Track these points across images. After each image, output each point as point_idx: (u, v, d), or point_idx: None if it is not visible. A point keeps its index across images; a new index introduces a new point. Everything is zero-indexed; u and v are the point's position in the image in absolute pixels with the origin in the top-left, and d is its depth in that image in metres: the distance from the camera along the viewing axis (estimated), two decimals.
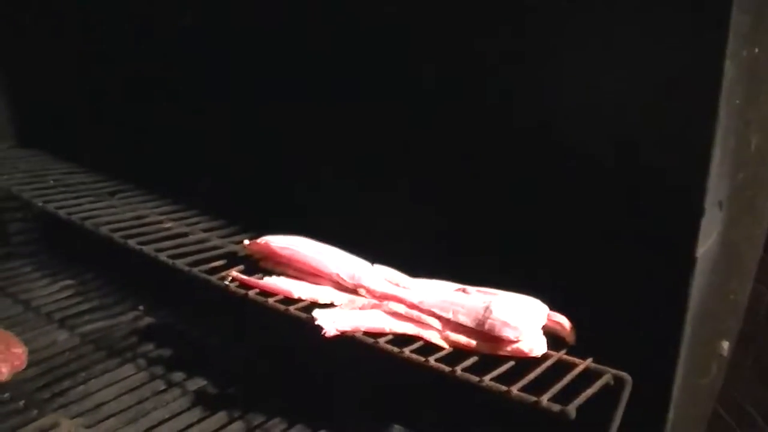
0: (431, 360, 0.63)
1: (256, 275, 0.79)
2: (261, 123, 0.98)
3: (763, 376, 0.80)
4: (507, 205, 0.75)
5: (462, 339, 0.65)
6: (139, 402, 0.93)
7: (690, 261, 0.62)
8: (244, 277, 0.78)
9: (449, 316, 0.67)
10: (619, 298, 0.67)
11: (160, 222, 0.97)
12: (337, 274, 0.75)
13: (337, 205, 0.89)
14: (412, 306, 0.69)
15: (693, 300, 0.64)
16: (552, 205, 0.71)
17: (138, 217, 0.99)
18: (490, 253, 0.75)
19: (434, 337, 0.67)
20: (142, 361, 1.02)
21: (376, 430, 0.90)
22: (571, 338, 0.66)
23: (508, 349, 0.63)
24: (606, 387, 0.61)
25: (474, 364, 0.62)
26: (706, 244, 0.63)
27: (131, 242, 0.89)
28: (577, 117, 0.67)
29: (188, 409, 0.92)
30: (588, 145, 0.67)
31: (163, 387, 0.96)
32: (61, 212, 0.98)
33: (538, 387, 0.58)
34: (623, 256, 0.67)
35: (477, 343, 0.65)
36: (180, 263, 0.83)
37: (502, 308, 0.64)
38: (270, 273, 0.79)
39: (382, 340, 0.66)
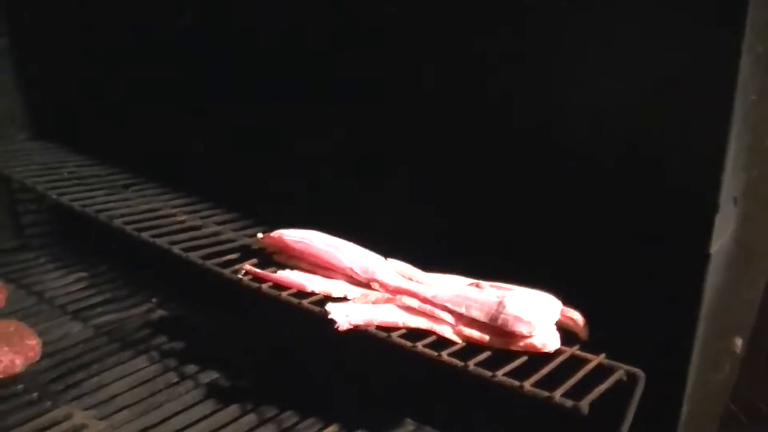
0: (444, 354, 0.63)
1: (270, 269, 0.79)
2: (260, 122, 0.98)
3: None
4: (513, 204, 0.74)
5: (475, 334, 0.65)
6: (152, 394, 0.93)
7: (704, 257, 0.62)
8: (258, 270, 0.78)
9: (462, 310, 0.66)
10: (632, 294, 0.67)
11: (174, 215, 0.97)
12: (351, 268, 0.75)
13: (337, 205, 0.89)
14: (425, 300, 0.69)
15: (707, 296, 0.64)
16: (565, 203, 0.71)
17: (151, 210, 0.99)
18: (493, 253, 0.75)
19: (447, 332, 0.67)
20: (154, 354, 1.02)
21: (387, 424, 0.90)
22: (584, 333, 0.66)
23: (521, 344, 0.63)
24: (619, 383, 0.60)
25: (487, 359, 0.62)
26: (721, 241, 0.63)
27: (144, 235, 0.89)
28: (590, 114, 0.67)
29: (201, 401, 0.92)
30: (601, 143, 0.67)
31: (175, 379, 0.97)
32: (75, 204, 0.98)
33: (551, 382, 0.58)
34: (637, 252, 0.67)
35: (490, 338, 0.65)
36: (193, 256, 0.83)
37: (516, 303, 0.64)
38: (283, 267, 0.79)
39: (394, 335, 0.66)
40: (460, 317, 0.67)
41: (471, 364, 0.61)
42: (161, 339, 1.07)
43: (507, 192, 0.75)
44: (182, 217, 0.97)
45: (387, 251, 0.77)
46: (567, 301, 0.66)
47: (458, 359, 0.62)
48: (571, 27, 0.67)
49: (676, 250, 0.63)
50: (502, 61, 0.72)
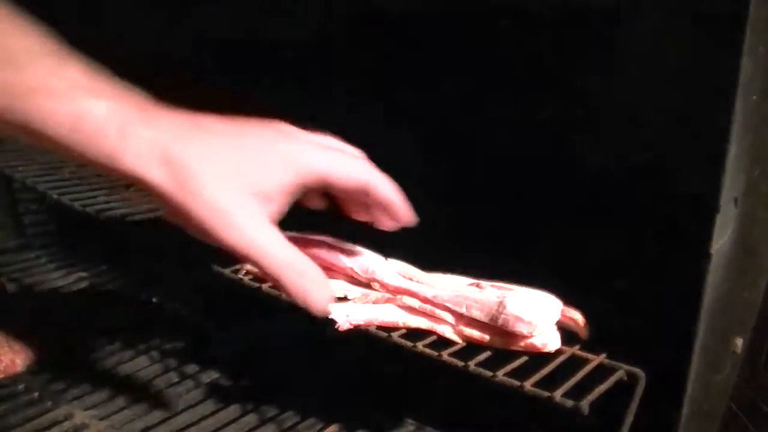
0: (444, 354, 0.63)
1: None
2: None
3: None
4: (513, 204, 0.75)
5: (475, 334, 0.65)
6: (153, 394, 0.93)
7: (705, 257, 0.62)
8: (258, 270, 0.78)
9: (462, 310, 0.66)
10: (633, 294, 0.67)
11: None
12: (351, 268, 0.75)
13: None
14: (425, 300, 0.69)
15: (707, 296, 0.64)
16: (565, 202, 0.71)
17: (152, 210, 0.99)
18: (493, 253, 0.75)
19: (447, 332, 0.67)
20: (155, 353, 1.02)
21: (387, 424, 0.90)
22: (584, 333, 0.66)
23: (522, 344, 0.63)
24: (619, 383, 0.61)
25: (487, 359, 0.62)
26: (721, 241, 0.63)
27: (145, 234, 0.89)
28: (590, 114, 0.67)
29: (201, 401, 0.92)
30: (601, 143, 0.67)
31: (176, 379, 0.97)
32: (77, 204, 0.98)
33: (551, 382, 0.58)
34: (637, 252, 0.67)
35: (490, 338, 0.65)
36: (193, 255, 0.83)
37: (516, 303, 0.64)
38: None
39: (395, 335, 0.67)
40: (460, 317, 0.67)
41: (471, 364, 0.61)
42: (162, 338, 1.07)
43: (507, 192, 0.75)
44: None
45: (387, 251, 0.77)
46: (567, 301, 0.66)
47: (459, 359, 0.62)
48: (572, 27, 0.67)
49: (677, 250, 0.64)
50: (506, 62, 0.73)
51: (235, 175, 0.58)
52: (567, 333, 0.65)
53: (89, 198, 1.01)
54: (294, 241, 0.79)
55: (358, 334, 0.68)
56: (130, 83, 0.59)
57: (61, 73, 0.56)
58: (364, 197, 0.64)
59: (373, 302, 0.71)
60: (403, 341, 0.66)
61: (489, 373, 0.60)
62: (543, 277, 0.67)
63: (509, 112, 0.73)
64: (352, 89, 0.86)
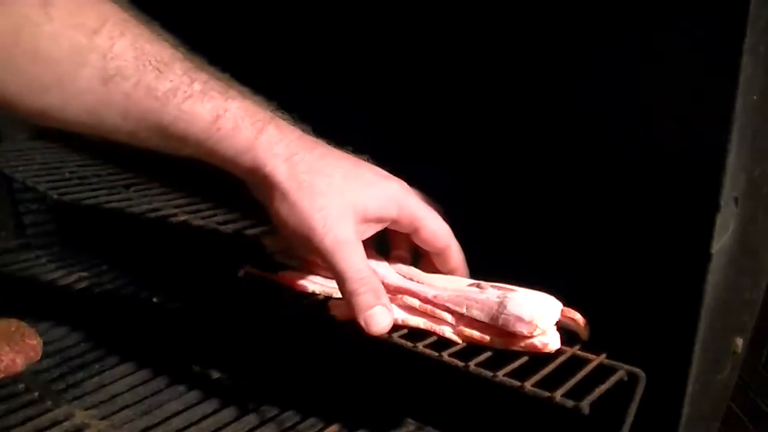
0: (445, 355, 0.63)
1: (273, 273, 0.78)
2: None
3: None
4: (513, 204, 0.75)
5: (476, 334, 0.65)
6: (153, 393, 0.93)
7: (705, 257, 0.62)
8: (257, 271, 0.78)
9: (463, 310, 0.66)
10: (633, 294, 0.67)
11: (175, 215, 0.97)
12: None
13: None
14: (426, 300, 0.69)
15: (708, 296, 0.64)
16: (565, 202, 0.71)
17: (153, 210, 0.99)
18: (493, 253, 0.75)
19: (447, 332, 0.67)
20: (156, 353, 1.02)
21: (388, 424, 0.90)
22: (585, 334, 0.66)
23: (522, 344, 0.63)
24: (620, 383, 0.61)
25: (488, 360, 0.62)
26: (722, 240, 0.63)
27: (146, 234, 0.89)
28: (590, 114, 0.67)
29: (202, 401, 0.92)
30: (601, 143, 0.67)
31: (177, 379, 0.97)
32: (77, 204, 0.98)
33: (551, 382, 0.58)
34: (637, 252, 0.67)
35: (491, 338, 0.65)
36: (193, 256, 0.83)
37: (516, 303, 0.64)
38: (284, 267, 0.79)
39: (395, 335, 0.67)
40: (460, 317, 0.67)
41: (472, 364, 0.61)
42: (162, 338, 1.07)
43: (506, 192, 0.75)
44: (184, 217, 0.97)
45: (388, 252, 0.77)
46: (567, 300, 0.66)
47: (459, 359, 0.62)
48: (572, 27, 0.67)
49: (677, 249, 0.63)
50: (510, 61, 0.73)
51: (348, 194, 0.65)
52: (567, 333, 0.65)
53: (90, 198, 1.01)
54: None
55: (357, 334, 0.68)
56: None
57: (195, 76, 0.63)
58: (438, 255, 0.72)
59: None
60: (403, 341, 0.66)
61: (489, 373, 0.60)
62: (543, 278, 0.67)
63: (509, 113, 0.73)
64: (347, 90, 0.86)
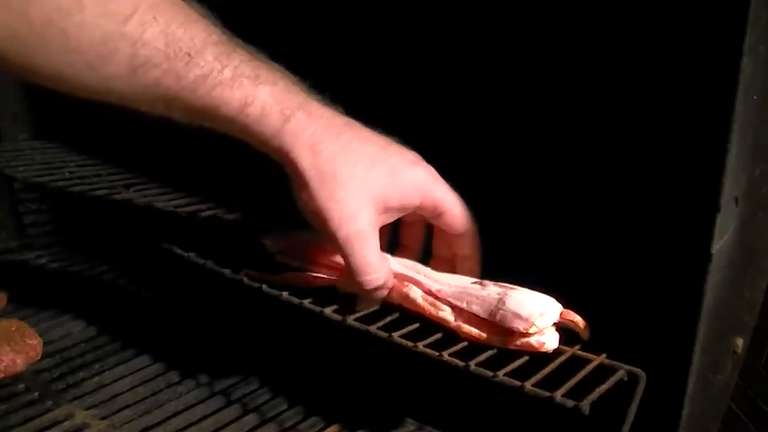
0: (445, 354, 0.63)
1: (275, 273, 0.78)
2: None
3: None
4: (512, 204, 0.75)
5: (473, 330, 0.65)
6: (154, 393, 0.93)
7: (705, 257, 0.62)
8: (257, 273, 0.78)
9: (463, 305, 0.67)
10: (633, 294, 0.67)
11: (175, 215, 0.97)
12: None
13: None
14: (429, 293, 0.69)
15: (708, 296, 0.64)
16: (564, 200, 0.71)
17: (153, 210, 0.99)
18: (493, 252, 0.75)
19: (446, 313, 0.67)
20: (156, 353, 1.02)
21: (388, 424, 0.90)
22: (585, 335, 0.66)
23: (518, 342, 0.63)
24: (620, 383, 0.60)
25: (488, 359, 0.62)
26: (722, 241, 0.63)
27: (146, 235, 0.89)
28: (590, 114, 0.67)
29: (202, 400, 0.92)
30: (599, 141, 0.67)
31: (177, 379, 0.97)
32: (77, 204, 0.98)
33: (552, 382, 0.58)
34: (638, 252, 0.67)
35: (488, 336, 0.65)
36: (193, 256, 0.83)
37: (515, 300, 0.64)
38: (286, 267, 0.79)
39: (395, 334, 0.66)
40: (460, 313, 0.67)
41: (472, 364, 0.61)
42: (162, 338, 1.07)
43: (506, 192, 0.75)
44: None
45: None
46: (568, 300, 0.66)
47: (459, 359, 0.62)
48: (572, 27, 0.67)
49: (677, 249, 0.63)
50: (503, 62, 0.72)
51: (369, 184, 0.65)
52: (567, 333, 0.65)
53: (89, 198, 1.01)
54: (298, 240, 0.79)
55: (358, 334, 0.68)
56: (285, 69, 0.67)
57: (226, 62, 0.63)
58: (457, 239, 0.72)
59: None
60: (403, 341, 0.66)
61: (489, 373, 0.60)
62: (543, 277, 0.67)
63: (508, 114, 0.73)
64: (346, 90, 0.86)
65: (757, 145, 0.65)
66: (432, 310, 0.68)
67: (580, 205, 0.70)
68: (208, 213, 0.99)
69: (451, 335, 0.66)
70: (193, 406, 0.91)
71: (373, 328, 0.68)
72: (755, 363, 0.81)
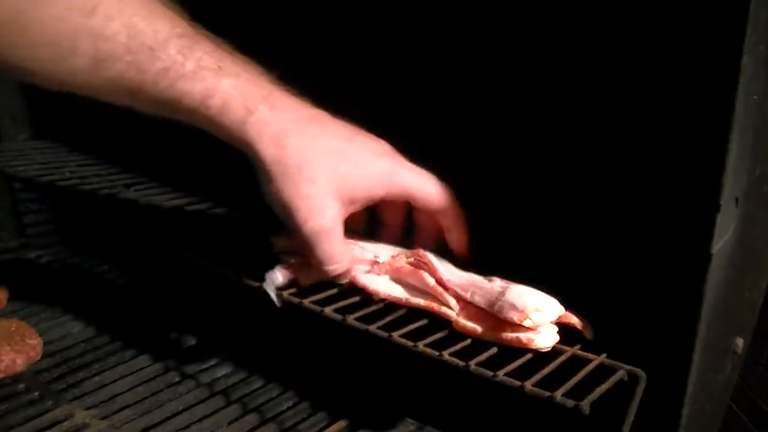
0: (445, 354, 0.63)
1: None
2: None
3: None
4: (512, 205, 0.75)
5: (469, 324, 0.66)
6: (154, 393, 0.93)
7: (706, 257, 0.62)
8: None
9: (467, 296, 0.67)
10: (633, 294, 0.67)
11: (175, 215, 0.97)
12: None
13: None
14: (439, 281, 0.69)
15: (708, 296, 0.64)
16: (564, 200, 0.71)
17: (153, 210, 0.99)
18: (492, 252, 0.75)
19: (446, 316, 0.67)
20: (156, 353, 1.02)
21: (388, 424, 0.90)
22: (588, 335, 0.66)
23: (508, 336, 0.63)
24: (620, 383, 0.60)
25: (488, 359, 0.62)
26: (722, 240, 0.63)
27: (144, 234, 0.89)
28: (590, 114, 0.67)
29: (202, 400, 0.92)
30: (599, 141, 0.67)
31: (177, 379, 0.97)
32: (77, 204, 0.99)
33: (552, 382, 0.58)
34: (638, 252, 0.67)
35: (482, 330, 0.65)
36: (193, 254, 0.83)
37: (515, 293, 0.65)
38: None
39: (395, 334, 0.66)
40: (464, 305, 0.67)
41: (472, 363, 0.61)
42: (162, 338, 1.07)
43: (506, 193, 0.75)
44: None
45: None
46: (568, 300, 0.66)
47: (460, 359, 0.62)
48: (571, 26, 0.67)
49: (678, 249, 0.63)
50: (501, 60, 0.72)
51: (334, 177, 0.66)
52: (567, 333, 0.65)
53: (89, 198, 1.01)
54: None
55: (360, 333, 0.68)
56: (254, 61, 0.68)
57: (189, 55, 0.63)
58: (438, 213, 0.73)
59: (399, 268, 0.73)
60: (403, 341, 0.66)
61: (489, 373, 0.60)
62: (544, 277, 0.67)
63: (508, 114, 0.73)
64: (343, 90, 0.86)
65: (757, 145, 0.65)
66: (438, 294, 0.69)
67: (580, 205, 0.70)
68: (208, 212, 0.99)
69: (451, 335, 0.66)
70: (193, 406, 0.91)
71: (373, 328, 0.68)
72: (755, 363, 0.82)
